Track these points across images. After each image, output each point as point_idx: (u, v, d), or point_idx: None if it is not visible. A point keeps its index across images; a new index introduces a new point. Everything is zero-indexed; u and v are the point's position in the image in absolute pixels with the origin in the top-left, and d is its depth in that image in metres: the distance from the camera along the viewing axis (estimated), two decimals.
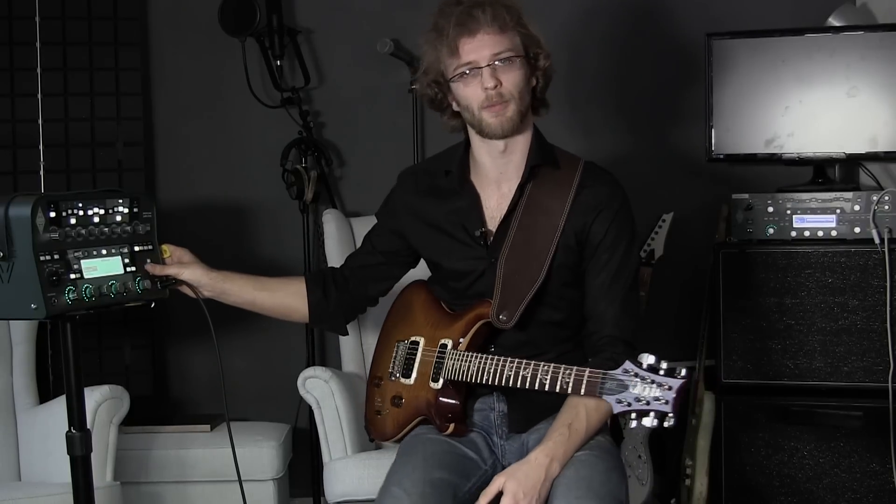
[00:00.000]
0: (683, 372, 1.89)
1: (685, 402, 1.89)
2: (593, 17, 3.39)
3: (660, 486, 3.21)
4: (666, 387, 1.89)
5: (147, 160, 3.49)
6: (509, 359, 2.11)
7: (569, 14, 3.38)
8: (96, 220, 2.11)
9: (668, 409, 1.89)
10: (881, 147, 2.95)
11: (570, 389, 2.01)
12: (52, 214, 2.01)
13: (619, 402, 1.92)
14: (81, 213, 2.07)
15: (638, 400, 1.91)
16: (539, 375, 2.06)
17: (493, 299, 2.18)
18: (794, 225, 2.91)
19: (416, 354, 2.29)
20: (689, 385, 1.85)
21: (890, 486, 2.78)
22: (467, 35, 2.12)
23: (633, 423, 1.91)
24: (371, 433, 2.40)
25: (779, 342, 2.89)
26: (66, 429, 2.11)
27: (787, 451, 2.87)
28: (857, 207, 2.85)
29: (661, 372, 1.90)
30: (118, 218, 2.15)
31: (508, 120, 2.14)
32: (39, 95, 3.30)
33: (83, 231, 2.07)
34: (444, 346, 2.24)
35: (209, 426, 3.32)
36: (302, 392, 2.89)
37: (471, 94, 2.14)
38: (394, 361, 2.34)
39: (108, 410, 2.84)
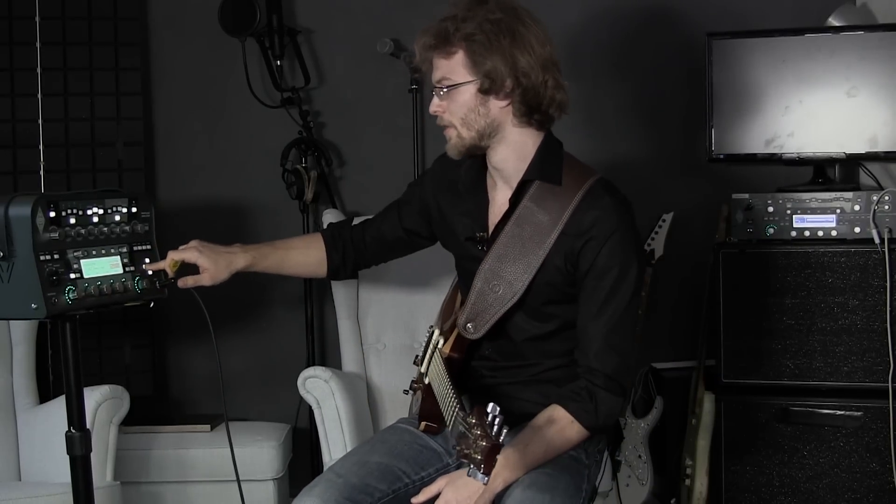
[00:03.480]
0: (502, 435, 1.73)
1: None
2: (594, 17, 3.39)
3: (660, 486, 3.21)
4: (482, 443, 1.72)
5: (147, 160, 3.49)
6: (449, 383, 2.07)
7: (569, 14, 3.38)
8: (96, 219, 2.11)
9: (479, 464, 1.72)
10: (881, 147, 2.95)
11: (448, 426, 1.99)
12: (52, 214, 2.01)
13: (459, 447, 1.78)
14: (81, 212, 2.08)
15: (464, 448, 1.76)
16: (444, 405, 2.05)
17: (463, 308, 2.18)
18: (794, 225, 2.91)
19: (430, 344, 2.31)
20: (500, 448, 1.73)
21: (890, 486, 2.78)
22: (421, 54, 2.12)
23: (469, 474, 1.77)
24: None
25: (779, 342, 2.88)
26: (66, 429, 2.11)
27: (787, 451, 2.87)
28: (857, 207, 2.85)
29: (488, 427, 1.73)
30: (117, 218, 2.16)
31: (452, 147, 2.15)
32: (39, 95, 3.30)
33: (83, 231, 2.07)
34: (437, 344, 2.25)
35: (209, 426, 3.32)
36: (302, 392, 2.90)
37: None
38: (423, 347, 2.37)
39: (108, 410, 2.84)
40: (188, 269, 2.28)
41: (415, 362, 2.41)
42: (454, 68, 2.08)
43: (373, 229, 2.45)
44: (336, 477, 2.10)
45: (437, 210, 2.33)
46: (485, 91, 2.07)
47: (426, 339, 2.35)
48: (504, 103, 2.09)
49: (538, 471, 2.03)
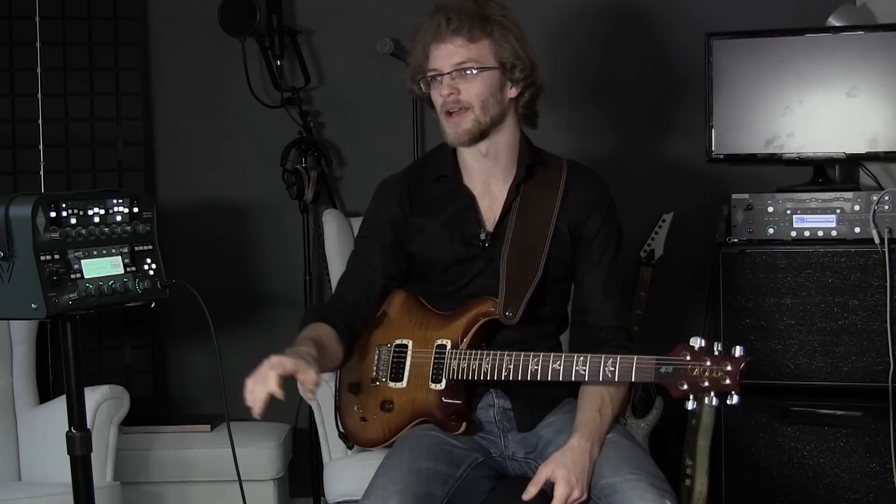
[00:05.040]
0: (739, 351, 1.95)
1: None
2: (594, 17, 3.39)
3: None
4: (725, 366, 1.94)
5: (147, 160, 3.49)
6: (525, 353, 2.13)
7: (569, 14, 3.38)
8: (96, 220, 2.11)
9: (728, 386, 1.94)
10: (881, 147, 2.95)
11: (616, 377, 2.04)
12: (53, 214, 2.01)
13: (679, 386, 1.96)
14: (81, 213, 2.07)
15: (698, 381, 1.95)
16: (576, 367, 2.08)
17: (499, 297, 2.20)
18: (794, 225, 2.91)
19: (405, 357, 2.28)
20: (748, 361, 1.98)
21: (890, 486, 2.78)
22: (435, 42, 2.18)
23: (691, 406, 1.96)
24: (352, 439, 2.38)
25: (779, 342, 2.88)
26: (66, 429, 2.11)
27: (787, 451, 2.87)
28: (857, 207, 2.85)
29: (717, 352, 1.95)
30: (118, 218, 2.16)
31: (465, 132, 2.19)
32: (39, 95, 3.30)
33: (83, 231, 2.07)
34: (443, 346, 2.24)
35: (209, 426, 3.32)
36: (302, 392, 2.89)
37: (435, 98, 2.22)
38: (377, 366, 2.31)
39: (108, 410, 2.84)
40: None
41: (373, 382, 2.32)
42: (481, 53, 2.17)
43: (355, 293, 2.33)
44: (404, 489, 2.04)
45: (418, 231, 2.30)
46: (511, 78, 2.19)
47: (388, 357, 2.30)
48: (515, 94, 2.22)
49: (615, 435, 2.14)
